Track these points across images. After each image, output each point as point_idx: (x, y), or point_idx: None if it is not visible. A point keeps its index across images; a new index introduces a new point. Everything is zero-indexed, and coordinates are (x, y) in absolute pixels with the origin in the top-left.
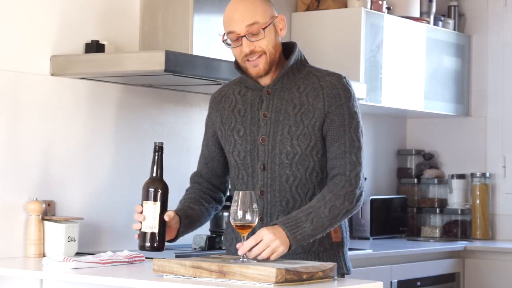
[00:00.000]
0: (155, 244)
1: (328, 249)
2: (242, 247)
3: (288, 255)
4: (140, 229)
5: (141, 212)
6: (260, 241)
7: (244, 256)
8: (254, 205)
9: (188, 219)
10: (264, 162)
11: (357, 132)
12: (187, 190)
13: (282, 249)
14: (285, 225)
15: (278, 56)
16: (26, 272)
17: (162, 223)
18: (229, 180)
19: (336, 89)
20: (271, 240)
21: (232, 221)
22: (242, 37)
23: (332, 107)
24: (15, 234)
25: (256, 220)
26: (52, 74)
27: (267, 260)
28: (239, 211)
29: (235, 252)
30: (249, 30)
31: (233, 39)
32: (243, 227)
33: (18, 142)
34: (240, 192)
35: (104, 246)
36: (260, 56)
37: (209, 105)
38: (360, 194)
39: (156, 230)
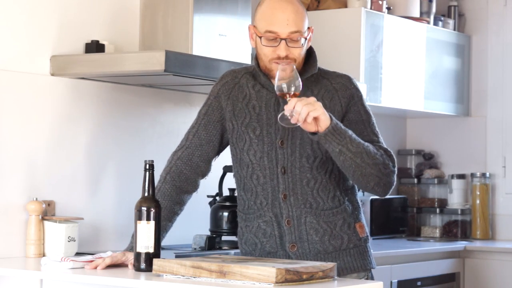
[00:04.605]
0: (151, 264)
1: (357, 245)
2: (287, 105)
3: (320, 254)
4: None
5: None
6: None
7: (290, 113)
8: (296, 74)
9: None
10: (284, 166)
11: (376, 129)
12: (160, 182)
13: (322, 111)
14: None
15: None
16: (26, 272)
17: (157, 242)
18: (236, 178)
19: (349, 89)
20: (315, 100)
21: (277, 91)
22: (281, 39)
23: (348, 106)
24: (15, 234)
25: (300, 88)
26: (52, 74)
27: (266, 261)
28: (283, 83)
29: (259, 255)
30: (290, 36)
31: (270, 38)
32: (288, 95)
33: (18, 141)
34: (280, 66)
35: (104, 246)
36: (290, 62)
37: (219, 85)
38: (394, 180)
39: (151, 250)
